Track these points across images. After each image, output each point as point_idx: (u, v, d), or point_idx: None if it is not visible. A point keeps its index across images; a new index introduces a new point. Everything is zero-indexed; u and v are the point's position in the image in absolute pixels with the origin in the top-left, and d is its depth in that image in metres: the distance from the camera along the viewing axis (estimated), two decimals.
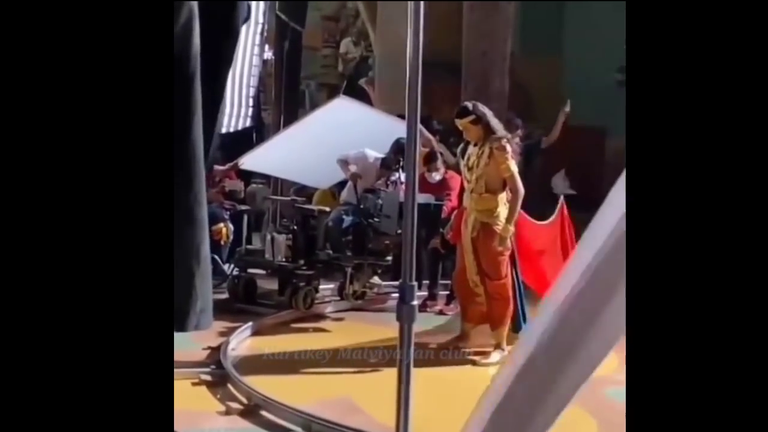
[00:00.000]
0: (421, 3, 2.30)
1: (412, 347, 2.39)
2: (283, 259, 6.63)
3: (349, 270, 6.43)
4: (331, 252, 6.53)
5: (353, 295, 6.48)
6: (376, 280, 6.65)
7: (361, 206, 6.52)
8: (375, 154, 6.81)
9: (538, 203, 6.30)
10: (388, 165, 6.62)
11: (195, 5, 1.66)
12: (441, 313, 6.57)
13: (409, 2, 2.29)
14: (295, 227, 6.72)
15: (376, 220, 6.34)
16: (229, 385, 4.35)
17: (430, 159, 6.77)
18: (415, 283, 2.41)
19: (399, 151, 6.44)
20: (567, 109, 8.09)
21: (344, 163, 6.81)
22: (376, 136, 6.77)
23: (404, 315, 2.37)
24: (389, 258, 6.56)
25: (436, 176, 6.81)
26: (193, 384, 4.38)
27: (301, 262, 6.52)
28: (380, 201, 6.36)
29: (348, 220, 6.58)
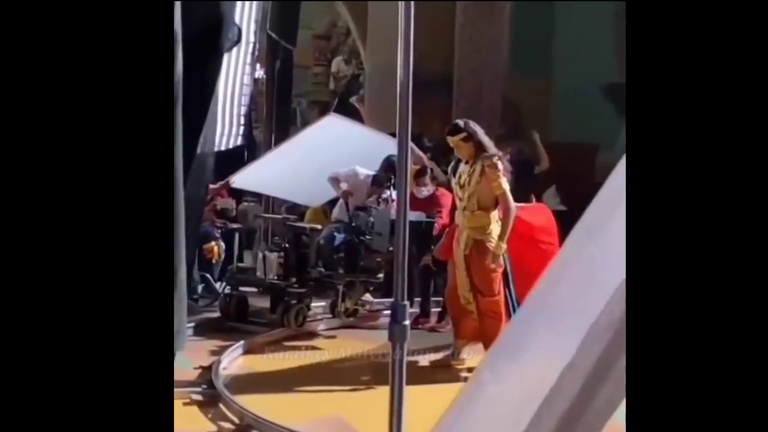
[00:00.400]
0: (411, 21, 2.32)
1: (405, 366, 2.39)
2: (275, 277, 6.62)
3: (340, 287, 6.40)
4: (323, 270, 6.53)
5: (345, 313, 6.46)
6: (368, 297, 6.64)
7: (353, 224, 6.52)
8: (366, 171, 6.82)
9: None
10: (379, 182, 6.63)
11: (178, 32, 1.68)
12: (433, 330, 6.56)
13: (399, 20, 2.31)
14: (287, 245, 6.72)
15: (368, 237, 6.34)
16: (221, 405, 4.33)
17: (419, 174, 6.79)
18: (407, 303, 2.41)
19: (390, 168, 6.47)
20: (537, 133, 8.14)
21: (335, 180, 6.83)
22: (366, 154, 6.80)
23: (396, 334, 2.37)
24: (381, 275, 6.55)
25: (425, 192, 6.81)
26: (185, 404, 4.35)
27: (293, 279, 6.51)
28: (371, 219, 6.36)
29: (340, 237, 6.59)
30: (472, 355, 5.38)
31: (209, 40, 1.78)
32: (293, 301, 6.30)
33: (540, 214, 5.63)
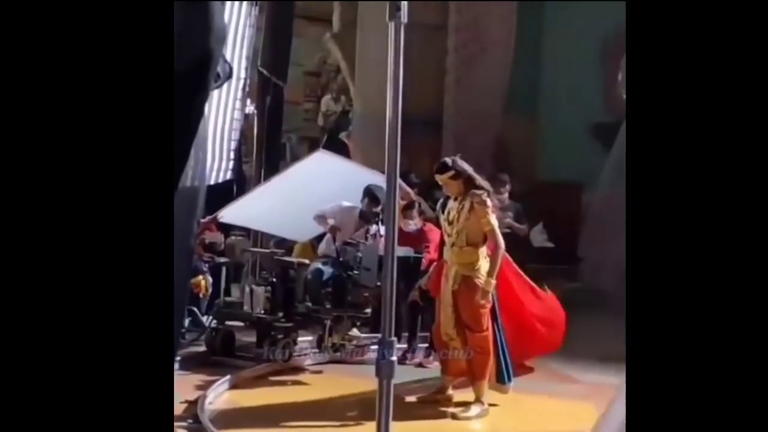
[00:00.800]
0: (401, 46, 2.35)
1: (392, 403, 2.39)
2: (262, 311, 6.60)
3: (328, 322, 6.38)
4: (310, 304, 6.52)
5: (332, 348, 6.45)
6: (355, 332, 6.61)
7: (341, 259, 6.53)
8: (351, 204, 6.87)
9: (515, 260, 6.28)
10: (366, 218, 6.65)
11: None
12: (420, 365, 6.55)
13: (389, 45, 2.34)
14: (274, 279, 6.72)
15: (356, 272, 6.34)
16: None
17: (406, 208, 6.81)
18: (394, 339, 2.42)
19: (370, 197, 6.58)
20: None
21: (322, 218, 6.87)
22: (354, 189, 6.84)
23: (383, 371, 2.38)
24: (368, 310, 6.54)
25: (412, 226, 6.83)
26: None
27: (280, 314, 6.49)
28: (359, 254, 6.36)
29: (328, 272, 6.60)
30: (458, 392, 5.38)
31: (196, 77, 1.80)
32: (280, 336, 6.28)
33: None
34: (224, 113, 8.00)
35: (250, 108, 8.77)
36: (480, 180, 5.28)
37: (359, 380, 5.69)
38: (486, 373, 5.19)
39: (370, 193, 6.68)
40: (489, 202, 5.14)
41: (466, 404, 5.20)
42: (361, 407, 5.04)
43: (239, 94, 8.12)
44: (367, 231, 6.61)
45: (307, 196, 6.98)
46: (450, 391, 5.38)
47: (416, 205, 7.00)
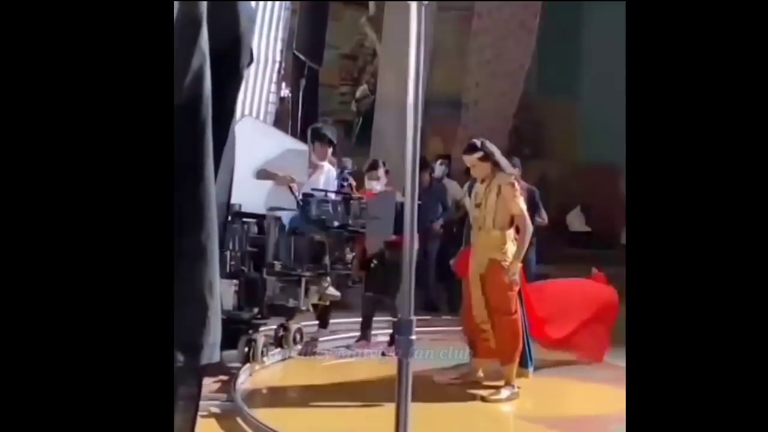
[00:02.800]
0: (423, 40, 2.37)
1: (410, 382, 2.41)
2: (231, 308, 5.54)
3: (303, 281, 5.71)
4: (284, 264, 5.69)
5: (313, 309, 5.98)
6: (331, 291, 5.98)
7: (310, 213, 5.79)
8: (300, 148, 6.29)
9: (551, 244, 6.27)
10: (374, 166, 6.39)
11: (206, 50, 1.74)
12: (383, 354, 6.06)
13: (410, 38, 2.35)
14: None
15: (360, 225, 5.80)
16: (238, 419, 4.38)
17: (370, 168, 6.52)
18: (413, 318, 2.44)
19: (320, 138, 6.23)
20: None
21: (265, 172, 6.05)
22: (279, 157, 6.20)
23: (401, 349, 2.40)
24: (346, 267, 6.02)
25: (377, 186, 6.43)
26: (203, 416, 4.41)
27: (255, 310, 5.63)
28: (361, 204, 5.89)
29: (289, 218, 5.85)
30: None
31: (230, 60, 1.83)
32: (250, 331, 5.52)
33: None
34: (259, 96, 8.08)
35: (286, 91, 8.83)
36: (507, 164, 5.26)
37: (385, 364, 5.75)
38: (516, 356, 5.19)
39: (318, 133, 6.25)
40: (516, 185, 5.12)
41: (496, 387, 5.21)
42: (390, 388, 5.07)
43: (274, 77, 8.19)
44: (345, 179, 6.18)
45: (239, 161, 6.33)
46: (480, 374, 5.39)
47: (380, 163, 6.58)
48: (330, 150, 6.35)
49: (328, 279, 5.95)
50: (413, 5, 2.29)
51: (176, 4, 1.57)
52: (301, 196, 5.90)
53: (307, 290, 5.70)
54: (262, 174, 6.04)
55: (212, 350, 1.84)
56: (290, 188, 5.97)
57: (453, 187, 8.47)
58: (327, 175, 6.35)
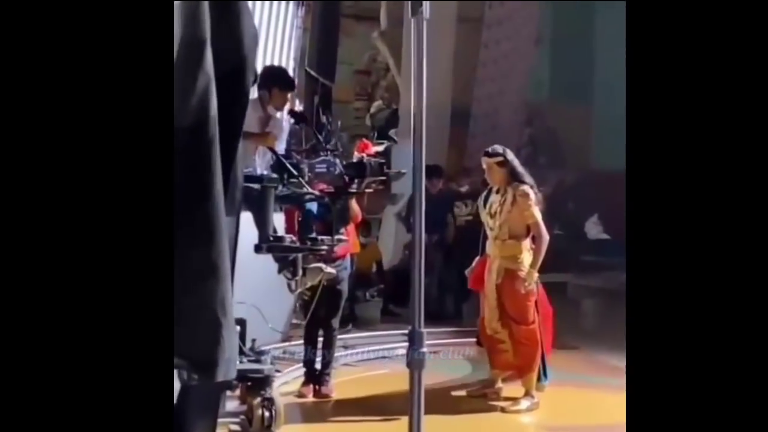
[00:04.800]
0: (424, 53, 2.39)
1: (423, 395, 2.41)
2: None
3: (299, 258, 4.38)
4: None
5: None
6: (328, 269, 4.62)
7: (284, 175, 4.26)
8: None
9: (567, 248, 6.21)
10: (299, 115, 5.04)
11: (211, 72, 1.76)
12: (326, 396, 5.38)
13: (412, 38, 2.36)
14: None
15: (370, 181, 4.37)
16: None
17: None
18: (424, 330, 2.44)
19: (281, 81, 5.09)
20: None
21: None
22: None
23: (414, 363, 2.40)
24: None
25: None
26: None
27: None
28: (368, 158, 4.40)
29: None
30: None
31: (235, 81, 1.86)
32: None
33: None
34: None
35: (299, 108, 8.89)
36: (525, 173, 5.26)
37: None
38: (535, 366, 5.17)
39: (277, 76, 5.09)
40: (532, 195, 5.12)
41: (515, 398, 5.18)
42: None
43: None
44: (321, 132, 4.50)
45: None
46: (499, 385, 5.37)
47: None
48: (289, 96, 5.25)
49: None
50: (412, 19, 2.33)
51: (180, 29, 1.60)
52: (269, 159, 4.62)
53: (305, 269, 4.43)
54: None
55: (228, 366, 1.86)
56: (272, 150, 4.68)
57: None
58: (284, 130, 5.34)
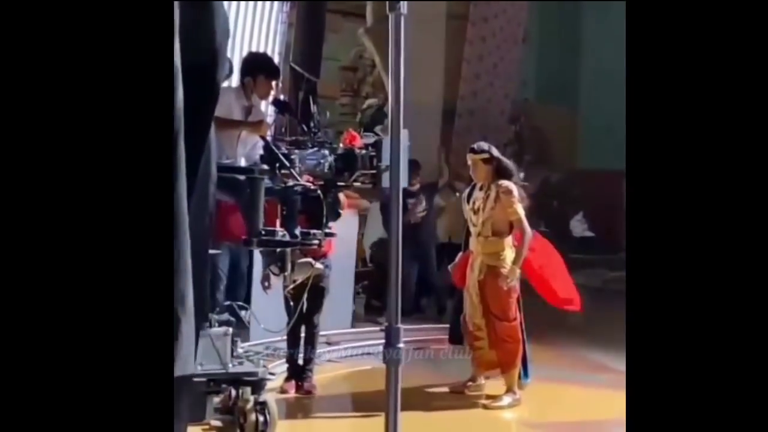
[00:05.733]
0: (402, 49, 2.38)
1: (399, 391, 2.40)
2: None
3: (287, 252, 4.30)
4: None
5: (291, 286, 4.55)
6: (318, 265, 4.60)
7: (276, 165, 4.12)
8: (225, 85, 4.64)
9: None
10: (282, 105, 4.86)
11: (178, 64, 1.75)
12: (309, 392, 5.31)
13: (390, 34, 2.36)
14: None
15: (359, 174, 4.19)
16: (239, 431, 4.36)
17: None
18: (400, 326, 2.43)
19: (263, 68, 4.87)
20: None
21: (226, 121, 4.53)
22: None
23: (390, 358, 2.40)
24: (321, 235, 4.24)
25: None
26: (204, 430, 4.40)
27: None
28: (359, 150, 4.20)
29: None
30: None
31: (205, 74, 1.84)
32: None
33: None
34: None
35: (283, 98, 8.84)
36: (513, 169, 5.27)
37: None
38: (517, 363, 5.18)
39: (262, 64, 4.85)
40: (515, 191, 5.12)
41: (497, 395, 5.19)
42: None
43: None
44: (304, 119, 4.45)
45: None
46: (481, 381, 5.38)
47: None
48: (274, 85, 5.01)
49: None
50: (390, 15, 2.32)
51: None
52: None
53: (293, 264, 4.31)
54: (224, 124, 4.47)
55: (185, 362, 1.85)
56: (263, 137, 4.48)
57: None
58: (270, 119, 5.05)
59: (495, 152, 5.25)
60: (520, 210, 5.13)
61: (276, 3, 8.42)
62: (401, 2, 2.36)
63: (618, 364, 6.14)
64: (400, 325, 2.41)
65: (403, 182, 2.26)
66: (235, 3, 7.92)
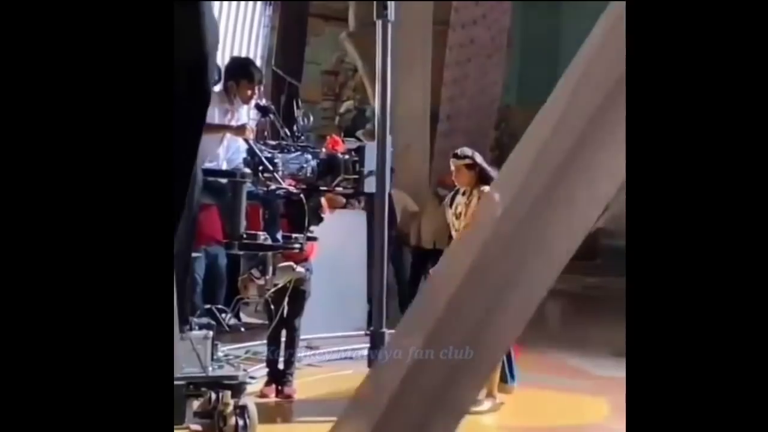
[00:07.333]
0: (389, 55, 2.41)
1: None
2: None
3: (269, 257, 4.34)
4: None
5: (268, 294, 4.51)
6: (299, 270, 4.58)
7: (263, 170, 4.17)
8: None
9: None
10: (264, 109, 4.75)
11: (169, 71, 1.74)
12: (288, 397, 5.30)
13: (378, 41, 2.39)
14: None
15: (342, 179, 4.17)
16: None
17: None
18: (386, 331, 2.46)
19: (245, 74, 4.81)
20: None
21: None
22: None
23: (375, 360, 2.42)
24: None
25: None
26: None
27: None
28: (342, 155, 4.17)
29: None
30: None
31: (196, 79, 1.83)
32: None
33: None
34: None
35: (267, 103, 8.82)
36: (493, 176, 5.29)
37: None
38: (497, 367, 5.20)
39: (246, 69, 4.83)
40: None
41: (477, 399, 5.21)
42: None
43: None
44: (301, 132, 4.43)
45: None
46: None
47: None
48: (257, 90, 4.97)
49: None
50: (378, 22, 2.35)
51: None
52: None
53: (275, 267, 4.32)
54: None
55: None
56: (247, 141, 4.44)
57: (401, 199, 8.46)
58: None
59: (478, 158, 5.28)
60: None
61: (258, 6, 8.41)
62: (389, 9, 2.39)
63: (596, 369, 6.21)
64: (384, 330, 2.44)
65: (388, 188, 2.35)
66: (217, 5, 7.91)
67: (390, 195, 8.07)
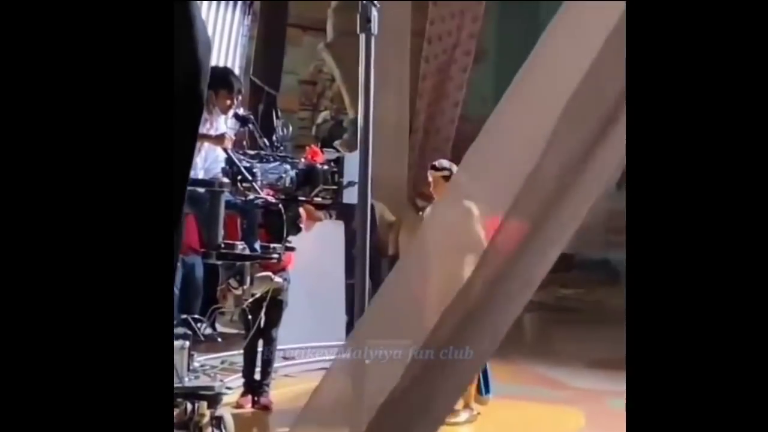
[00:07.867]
0: (372, 68, 2.43)
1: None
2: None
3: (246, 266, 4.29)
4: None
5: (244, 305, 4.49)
6: (277, 279, 4.71)
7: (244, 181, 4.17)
8: None
9: None
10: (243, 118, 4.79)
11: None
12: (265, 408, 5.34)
13: (360, 54, 2.39)
14: None
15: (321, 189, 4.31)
16: None
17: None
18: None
19: (223, 84, 4.77)
20: None
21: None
22: None
23: None
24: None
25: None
26: None
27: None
28: (325, 167, 4.34)
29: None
30: None
31: (189, 88, 1.84)
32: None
33: None
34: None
35: (246, 112, 8.81)
36: None
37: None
38: (474, 379, 5.21)
39: (224, 79, 4.77)
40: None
41: (454, 411, 5.22)
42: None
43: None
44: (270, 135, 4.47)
45: None
46: None
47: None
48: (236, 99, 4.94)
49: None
50: (361, 35, 2.37)
51: None
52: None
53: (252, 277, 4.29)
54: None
55: None
56: (225, 150, 4.40)
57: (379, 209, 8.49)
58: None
59: (456, 169, 5.31)
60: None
61: (237, 15, 8.40)
62: (372, 22, 2.40)
63: (572, 380, 6.25)
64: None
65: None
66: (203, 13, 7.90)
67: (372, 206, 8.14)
